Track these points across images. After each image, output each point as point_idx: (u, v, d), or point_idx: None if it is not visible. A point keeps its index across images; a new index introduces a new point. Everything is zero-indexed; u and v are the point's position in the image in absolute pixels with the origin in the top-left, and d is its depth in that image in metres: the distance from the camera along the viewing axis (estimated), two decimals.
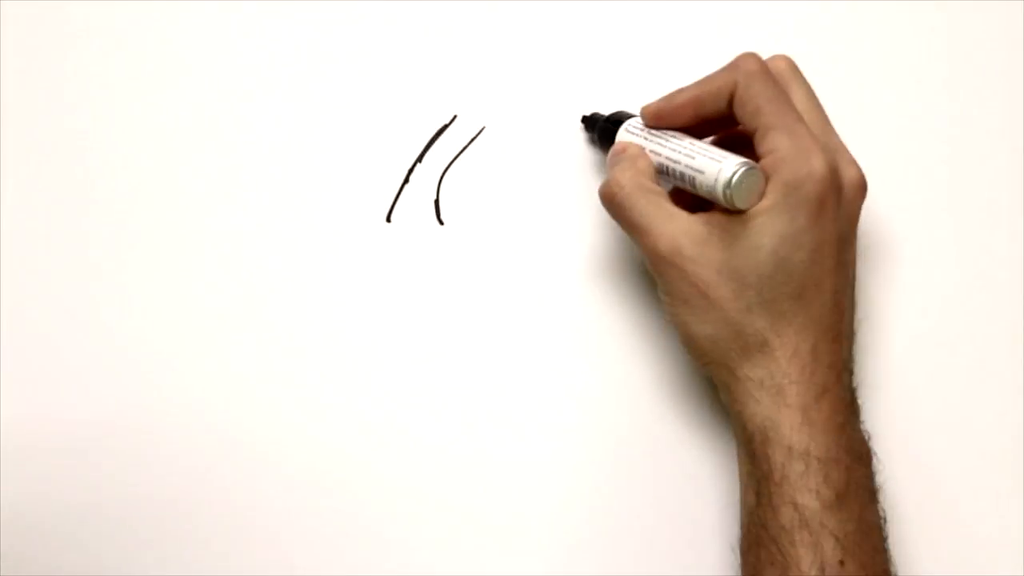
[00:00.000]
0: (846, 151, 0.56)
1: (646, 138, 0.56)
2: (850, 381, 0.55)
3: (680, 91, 0.56)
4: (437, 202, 0.62)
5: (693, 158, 0.54)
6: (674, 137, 0.56)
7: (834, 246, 0.53)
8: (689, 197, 0.55)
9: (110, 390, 0.60)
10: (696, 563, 0.59)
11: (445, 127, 0.62)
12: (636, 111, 0.58)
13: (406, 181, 0.62)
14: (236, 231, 0.61)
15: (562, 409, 0.61)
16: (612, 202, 0.55)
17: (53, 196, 0.61)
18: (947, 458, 0.62)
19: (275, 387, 0.61)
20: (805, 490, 0.52)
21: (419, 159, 0.62)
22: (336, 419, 0.61)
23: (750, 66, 0.54)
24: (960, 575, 0.61)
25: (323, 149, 0.61)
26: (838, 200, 0.53)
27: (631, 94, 0.62)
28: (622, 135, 0.57)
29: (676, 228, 0.54)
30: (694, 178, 0.54)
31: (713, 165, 0.53)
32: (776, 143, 0.53)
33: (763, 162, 0.53)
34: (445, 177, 0.62)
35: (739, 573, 0.55)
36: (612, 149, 0.57)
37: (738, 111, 0.54)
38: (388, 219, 0.62)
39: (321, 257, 0.61)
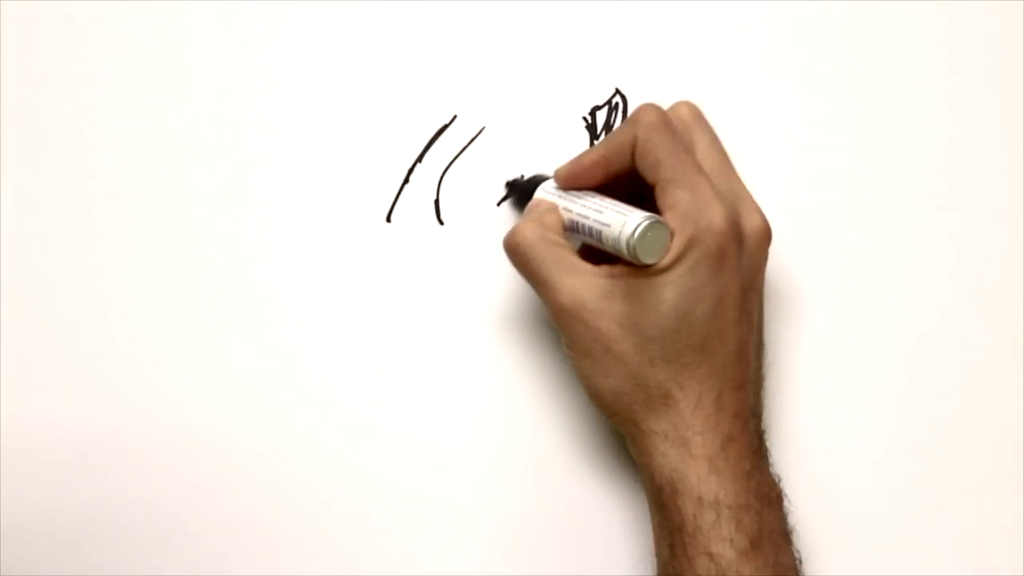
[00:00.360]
0: (749, 199, 0.55)
1: (560, 197, 0.57)
2: (757, 426, 0.55)
3: (588, 152, 0.57)
4: (437, 202, 0.62)
5: (601, 212, 0.54)
6: (586, 196, 0.56)
7: (736, 296, 0.53)
8: (598, 256, 0.55)
9: (110, 392, 0.60)
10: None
11: (445, 127, 0.62)
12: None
13: (406, 181, 0.62)
14: (236, 231, 0.61)
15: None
16: (515, 252, 0.56)
17: (53, 197, 0.61)
18: (947, 458, 0.62)
19: (275, 387, 0.61)
20: (719, 539, 0.52)
21: (419, 159, 0.62)
22: (336, 419, 0.61)
23: (649, 119, 0.54)
24: (960, 575, 0.61)
25: (323, 149, 0.61)
26: (739, 250, 0.53)
27: (631, 94, 0.62)
28: (538, 194, 0.58)
29: (579, 281, 0.54)
30: (600, 232, 0.54)
31: (619, 219, 0.53)
32: (675, 197, 0.53)
33: (664, 216, 0.53)
34: (445, 177, 0.62)
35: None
36: (527, 207, 0.58)
37: (639, 165, 0.54)
38: (388, 219, 0.61)
39: (321, 257, 0.61)
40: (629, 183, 0.56)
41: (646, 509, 0.56)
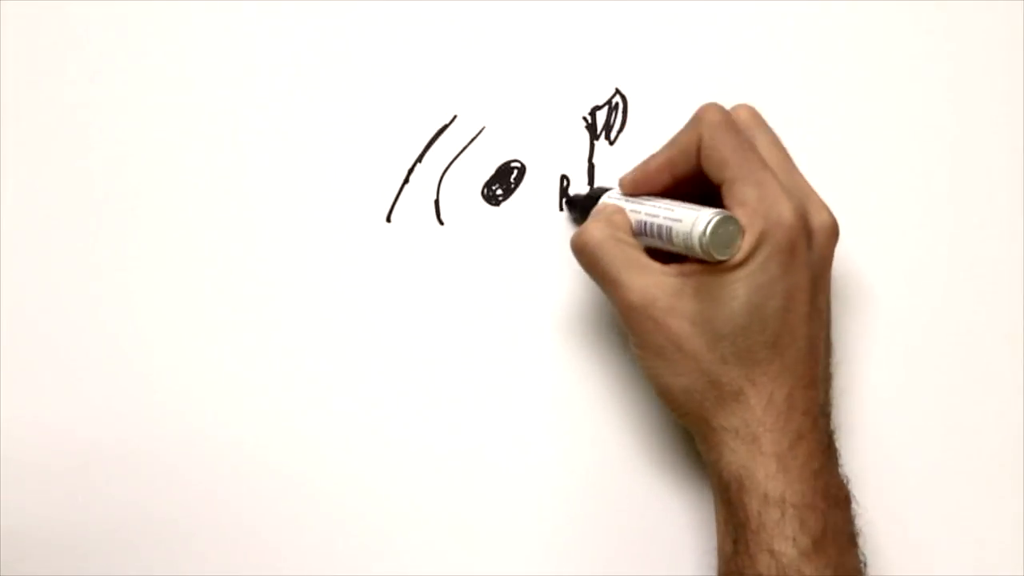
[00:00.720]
0: (815, 195, 0.56)
1: (627, 201, 0.57)
2: (827, 425, 0.55)
3: (652, 156, 0.56)
4: (437, 202, 0.62)
5: (672, 210, 0.54)
6: (653, 199, 0.56)
7: (807, 292, 0.53)
8: (665, 257, 0.55)
9: (110, 396, 0.60)
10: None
11: (445, 127, 0.62)
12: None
13: (406, 181, 0.62)
14: (237, 232, 0.61)
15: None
16: (583, 252, 0.55)
17: (52, 197, 0.61)
18: (947, 459, 0.62)
19: (275, 389, 0.61)
20: (782, 537, 0.52)
21: (419, 159, 0.62)
22: (336, 419, 0.61)
23: (712, 117, 0.54)
24: (960, 575, 0.61)
25: (323, 149, 0.61)
26: (808, 245, 0.53)
27: (630, 94, 0.62)
28: (604, 200, 0.58)
29: (649, 280, 0.54)
30: (671, 228, 0.53)
31: (690, 215, 0.53)
32: (743, 194, 0.53)
33: (734, 214, 0.53)
34: (445, 177, 0.62)
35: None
36: (593, 211, 0.58)
37: (705, 165, 0.54)
38: (388, 219, 0.61)
39: (321, 257, 0.61)
40: (693, 188, 0.55)
41: (711, 506, 0.56)
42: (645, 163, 0.57)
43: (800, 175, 0.56)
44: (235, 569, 0.60)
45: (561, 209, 0.62)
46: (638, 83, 0.62)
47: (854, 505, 0.54)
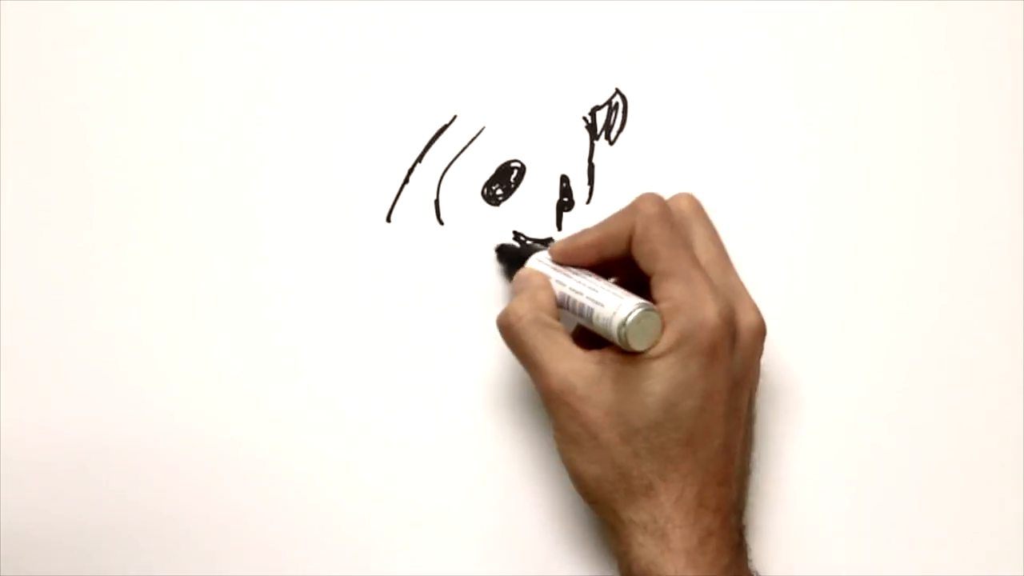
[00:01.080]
0: (746, 295, 0.56)
1: (553, 269, 0.57)
2: (738, 521, 0.55)
3: (584, 232, 0.57)
4: (437, 202, 0.62)
5: (596, 292, 0.54)
6: (581, 273, 0.56)
7: (726, 393, 0.53)
8: (590, 337, 0.55)
9: (109, 396, 0.60)
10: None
11: (445, 127, 0.62)
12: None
13: (406, 181, 0.62)
14: (236, 232, 0.61)
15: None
16: (508, 332, 0.56)
17: (52, 197, 0.61)
18: (947, 459, 0.62)
19: (275, 389, 0.61)
20: None
21: (419, 159, 0.62)
22: (335, 419, 0.61)
23: (649, 209, 0.54)
24: (960, 575, 0.61)
25: (323, 149, 0.61)
26: (732, 346, 0.53)
27: (631, 94, 0.62)
28: (531, 263, 0.58)
29: (569, 366, 0.54)
30: (592, 311, 0.54)
31: (613, 301, 0.53)
32: (671, 290, 0.53)
33: (658, 308, 0.53)
34: (445, 177, 0.62)
35: None
36: (517, 274, 0.58)
37: (636, 254, 0.54)
38: (388, 219, 0.61)
39: (321, 257, 0.61)
40: (622, 269, 0.56)
41: None
42: (576, 237, 0.57)
43: (733, 272, 0.56)
44: (235, 568, 0.60)
45: (559, 220, 0.62)
46: (638, 83, 0.62)
47: None
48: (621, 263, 0.56)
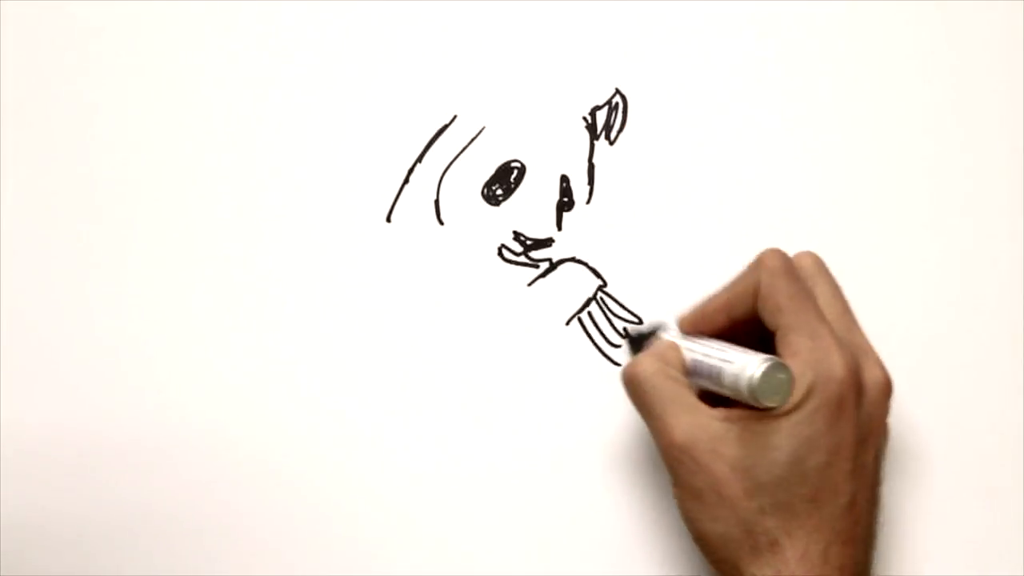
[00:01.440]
0: (872, 351, 0.55)
1: (682, 339, 0.56)
2: None
3: (712, 297, 0.56)
4: (437, 202, 0.62)
5: (724, 351, 0.54)
6: (709, 340, 0.56)
7: (852, 449, 0.53)
8: (715, 401, 0.54)
9: (110, 394, 0.60)
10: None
11: (445, 127, 0.62)
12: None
13: (406, 181, 0.62)
14: (236, 232, 0.61)
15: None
16: (632, 383, 0.55)
17: (52, 198, 0.61)
18: (947, 459, 0.62)
19: (275, 389, 0.61)
20: None
21: (419, 159, 0.62)
22: (335, 419, 0.61)
23: (773, 264, 0.54)
24: (960, 575, 0.61)
25: (323, 149, 0.61)
26: (858, 402, 0.53)
27: (631, 94, 0.62)
28: (660, 336, 0.58)
29: (694, 419, 0.53)
30: (721, 369, 0.53)
31: (742, 358, 0.52)
32: (797, 344, 0.53)
33: (786, 363, 0.52)
34: (445, 177, 0.62)
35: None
36: (648, 345, 0.58)
37: (761, 310, 0.54)
38: (388, 219, 0.61)
39: (321, 257, 0.61)
40: (751, 332, 0.55)
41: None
42: (704, 303, 0.57)
43: (858, 329, 0.56)
44: (235, 567, 0.60)
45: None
46: (638, 83, 0.62)
47: None
48: (749, 327, 0.55)
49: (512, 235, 0.62)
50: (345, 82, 0.62)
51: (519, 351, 0.61)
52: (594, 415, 0.61)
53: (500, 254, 0.61)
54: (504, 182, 0.62)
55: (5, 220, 0.61)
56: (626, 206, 0.62)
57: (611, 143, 0.62)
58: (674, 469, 0.54)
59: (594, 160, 0.62)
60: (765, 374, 0.51)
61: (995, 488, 0.62)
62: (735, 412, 0.53)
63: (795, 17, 0.63)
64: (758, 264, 0.55)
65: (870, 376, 0.54)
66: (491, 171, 0.62)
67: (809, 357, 0.52)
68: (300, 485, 0.60)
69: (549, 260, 0.62)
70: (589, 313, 0.62)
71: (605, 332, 0.62)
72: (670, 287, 0.61)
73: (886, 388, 0.55)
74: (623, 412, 0.60)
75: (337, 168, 0.61)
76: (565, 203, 0.62)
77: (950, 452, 0.62)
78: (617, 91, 0.62)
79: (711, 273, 0.62)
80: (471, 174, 0.62)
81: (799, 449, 0.52)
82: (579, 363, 0.61)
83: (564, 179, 0.62)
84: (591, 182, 0.62)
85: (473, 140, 0.62)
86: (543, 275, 0.62)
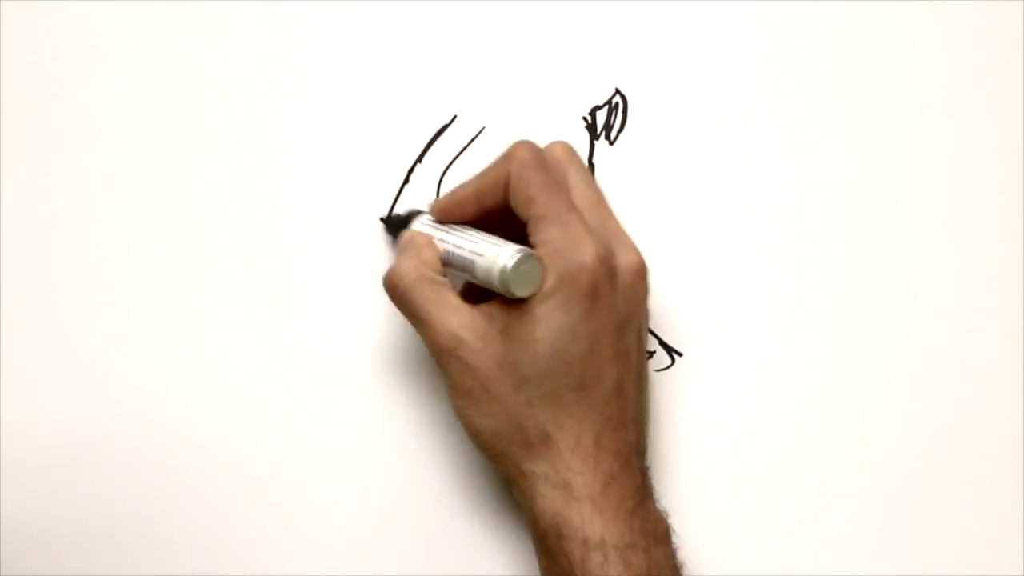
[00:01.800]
0: (624, 236, 0.56)
1: (436, 229, 0.57)
2: (641, 463, 0.55)
3: (462, 185, 0.57)
4: None
5: (476, 243, 0.54)
6: (463, 229, 0.56)
7: (612, 334, 0.53)
8: (478, 292, 0.55)
9: (109, 396, 0.60)
10: None
11: (445, 127, 0.62)
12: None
13: (406, 181, 0.62)
14: (236, 232, 0.61)
15: None
16: (394, 292, 0.56)
17: (51, 198, 0.61)
18: (947, 459, 0.62)
19: (275, 389, 0.61)
20: None
21: (419, 159, 0.62)
22: (335, 420, 0.61)
23: (523, 155, 0.54)
24: (960, 575, 0.61)
25: (323, 149, 0.61)
26: (613, 287, 0.53)
27: (631, 94, 0.62)
28: (415, 226, 0.58)
29: (457, 320, 0.54)
30: (474, 262, 0.54)
31: (493, 250, 0.53)
32: (548, 234, 0.53)
33: (536, 252, 0.53)
34: (445, 177, 0.62)
35: None
36: (400, 239, 0.58)
37: (512, 201, 0.55)
38: (388, 219, 0.62)
39: (321, 257, 0.61)
40: (504, 221, 0.56)
41: (532, 553, 0.55)
42: (454, 192, 0.57)
43: (611, 215, 0.56)
44: (234, 568, 0.60)
45: None
46: (638, 83, 0.62)
47: (674, 538, 0.55)
48: (503, 217, 0.56)
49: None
50: (345, 82, 0.62)
51: None
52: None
53: None
54: None
55: (5, 220, 0.61)
56: (626, 206, 0.61)
57: (611, 143, 0.62)
58: (445, 370, 0.54)
59: (594, 160, 0.62)
60: (515, 266, 0.52)
61: (995, 488, 0.62)
62: (495, 306, 0.54)
63: (795, 17, 0.63)
64: (508, 156, 0.55)
65: (623, 261, 0.54)
66: None
67: (560, 246, 0.53)
68: (301, 488, 0.60)
69: None
70: None
71: None
72: (670, 287, 0.61)
73: (640, 271, 0.55)
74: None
75: (337, 168, 0.61)
76: None
77: (950, 452, 0.62)
78: (617, 91, 0.62)
79: (711, 272, 0.62)
80: (471, 174, 0.62)
81: (558, 339, 0.52)
82: None
83: None
84: None
85: (473, 140, 0.62)
86: None
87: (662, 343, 0.62)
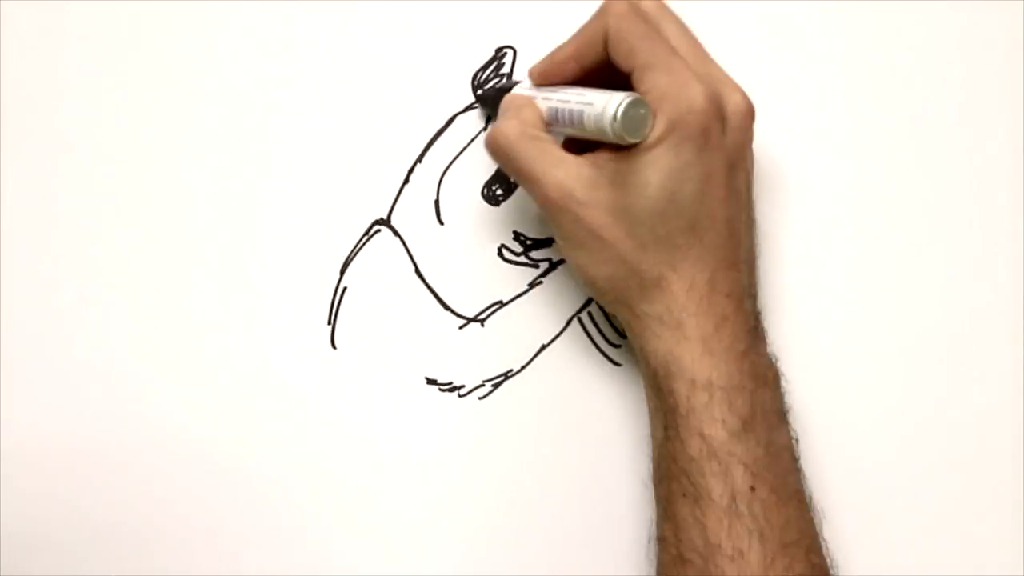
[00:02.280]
0: (728, 79, 0.55)
1: (536, 91, 0.57)
2: (753, 306, 0.55)
3: (560, 47, 0.56)
4: (437, 202, 0.62)
5: (583, 95, 0.54)
6: (565, 87, 0.56)
7: (723, 175, 0.53)
8: (582, 148, 0.55)
9: (108, 398, 0.60)
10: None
11: (445, 127, 0.62)
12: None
13: (406, 181, 0.62)
14: (235, 233, 0.61)
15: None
16: (498, 151, 0.55)
17: (52, 201, 0.61)
18: (947, 459, 0.62)
19: (276, 390, 0.61)
20: (711, 420, 0.52)
21: (419, 159, 0.62)
22: (335, 422, 0.61)
23: (618, 8, 0.54)
24: (960, 575, 0.61)
25: (323, 149, 0.61)
26: (723, 128, 0.53)
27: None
28: (516, 91, 0.58)
29: (565, 172, 0.53)
30: (583, 112, 0.53)
31: (601, 98, 0.52)
32: (653, 81, 0.53)
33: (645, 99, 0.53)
34: (445, 177, 0.62)
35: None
36: (502, 104, 0.57)
37: (613, 54, 0.54)
38: (388, 219, 0.62)
39: (321, 258, 0.61)
40: (603, 78, 0.55)
41: (643, 393, 0.56)
42: (553, 54, 0.57)
43: (711, 60, 0.56)
44: (233, 569, 0.60)
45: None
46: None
47: (783, 382, 0.55)
48: (602, 73, 0.55)
49: (512, 235, 0.62)
50: (345, 82, 0.62)
51: (520, 349, 0.61)
52: (594, 414, 0.61)
53: (500, 254, 0.61)
54: (504, 182, 0.62)
55: (5, 221, 0.61)
56: None
57: None
58: (555, 223, 0.54)
59: None
60: (626, 111, 0.51)
61: (995, 488, 0.62)
62: (603, 156, 0.53)
63: (795, 17, 0.63)
64: (603, 12, 0.55)
65: (731, 103, 0.54)
66: (491, 171, 0.62)
67: (668, 91, 0.52)
68: (301, 490, 0.60)
69: (549, 260, 0.62)
70: (589, 313, 0.62)
71: (605, 332, 0.62)
72: None
73: (748, 113, 0.55)
74: (623, 412, 0.61)
75: (337, 168, 0.61)
76: None
77: (950, 452, 0.62)
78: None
79: None
80: (471, 174, 0.62)
81: (669, 182, 0.52)
82: (579, 363, 0.61)
83: None
84: None
85: (473, 140, 0.62)
86: (543, 275, 0.62)
87: None
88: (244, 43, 0.61)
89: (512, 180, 0.56)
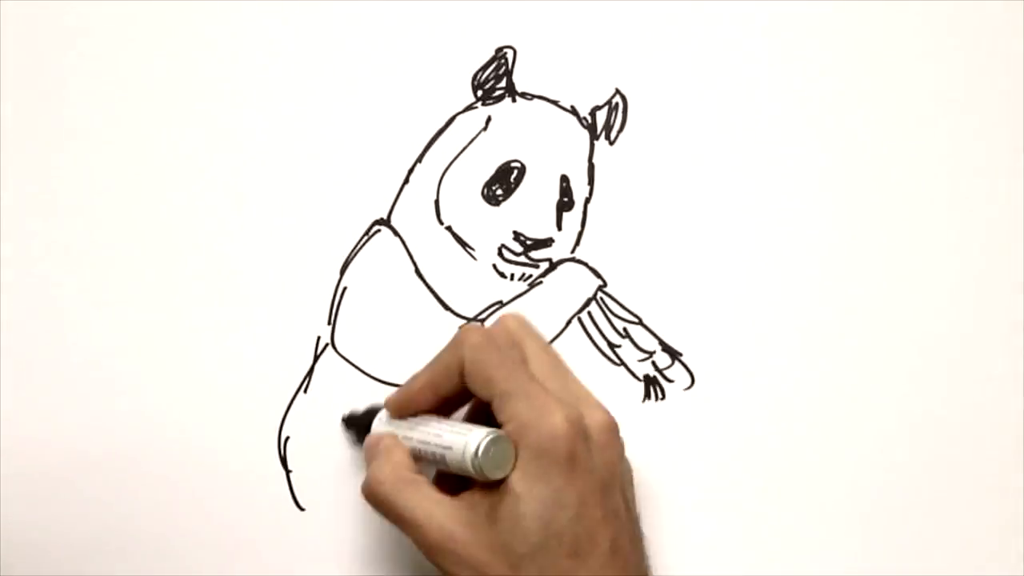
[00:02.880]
0: (589, 396, 0.56)
1: (397, 426, 0.57)
2: None
3: (414, 377, 0.57)
4: (437, 202, 0.62)
5: (440, 436, 0.54)
6: (423, 420, 0.56)
7: (598, 496, 0.53)
8: (455, 479, 0.55)
9: (108, 402, 0.60)
10: None
11: (445, 127, 0.62)
12: None
13: (406, 181, 0.62)
14: (235, 234, 0.61)
15: None
16: (376, 500, 0.55)
17: (53, 203, 0.61)
18: (947, 459, 0.62)
19: (276, 393, 0.61)
20: None
21: (419, 159, 0.62)
22: (335, 423, 0.61)
23: (472, 339, 0.55)
24: (960, 575, 0.61)
25: (323, 149, 0.61)
26: (588, 448, 0.53)
27: (631, 94, 0.62)
28: (375, 427, 0.58)
29: (443, 515, 0.53)
30: (444, 456, 0.54)
31: (459, 440, 0.53)
32: (513, 409, 0.53)
33: (506, 430, 0.53)
34: (445, 177, 0.62)
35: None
36: (365, 443, 0.58)
37: (471, 385, 0.55)
38: (388, 219, 0.61)
39: (321, 258, 0.61)
40: (463, 400, 0.56)
41: None
42: (408, 384, 0.57)
43: (572, 378, 0.56)
44: (232, 569, 0.60)
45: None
46: (638, 83, 0.62)
47: None
48: (460, 398, 0.56)
49: (512, 235, 0.62)
50: (345, 82, 0.61)
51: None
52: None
53: (500, 254, 0.61)
54: (504, 182, 0.62)
55: (5, 221, 0.61)
56: (626, 206, 0.62)
57: (611, 143, 0.62)
58: (440, 565, 0.54)
59: (594, 160, 0.62)
60: (485, 451, 0.52)
61: (995, 488, 0.62)
62: (476, 494, 0.53)
63: (795, 17, 0.63)
64: (458, 343, 0.55)
65: (593, 421, 0.54)
66: (491, 171, 0.62)
67: (529, 419, 0.52)
68: (301, 492, 0.60)
69: (549, 260, 0.62)
70: (589, 313, 0.62)
71: (605, 332, 0.62)
72: (670, 287, 0.61)
73: (611, 427, 0.55)
74: (623, 412, 0.60)
75: (337, 168, 0.61)
76: (565, 203, 0.62)
77: (950, 452, 0.62)
78: (617, 91, 0.62)
79: (711, 272, 0.62)
80: (471, 174, 0.62)
81: (544, 511, 0.52)
82: (579, 363, 0.61)
83: (564, 179, 0.62)
84: (591, 182, 0.62)
85: (473, 140, 0.62)
86: (543, 275, 0.62)
87: (663, 344, 0.62)
88: (244, 43, 0.61)
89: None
